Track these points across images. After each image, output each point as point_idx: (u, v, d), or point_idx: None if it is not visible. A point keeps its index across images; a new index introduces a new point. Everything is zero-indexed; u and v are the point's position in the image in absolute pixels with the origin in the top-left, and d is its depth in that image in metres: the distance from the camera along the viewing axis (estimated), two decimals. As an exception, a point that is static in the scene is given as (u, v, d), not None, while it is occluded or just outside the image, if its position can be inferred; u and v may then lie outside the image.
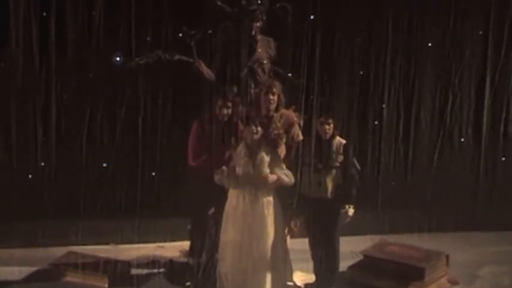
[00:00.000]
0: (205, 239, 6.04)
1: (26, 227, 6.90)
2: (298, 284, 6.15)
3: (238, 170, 5.60)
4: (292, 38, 7.08)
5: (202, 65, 6.20)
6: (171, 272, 6.40)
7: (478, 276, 6.68)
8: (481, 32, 7.87)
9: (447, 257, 6.56)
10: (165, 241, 7.06)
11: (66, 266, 6.27)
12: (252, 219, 5.61)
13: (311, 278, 6.19)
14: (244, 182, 5.62)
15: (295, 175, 5.73)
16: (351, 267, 6.47)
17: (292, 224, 5.94)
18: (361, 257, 6.53)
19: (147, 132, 7.18)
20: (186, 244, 6.60)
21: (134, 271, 6.46)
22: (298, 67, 6.94)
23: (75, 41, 6.94)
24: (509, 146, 8.14)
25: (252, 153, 5.65)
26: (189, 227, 6.36)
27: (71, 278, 6.22)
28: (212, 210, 6.01)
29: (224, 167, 5.63)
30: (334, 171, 5.90)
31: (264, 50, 6.20)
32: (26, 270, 6.37)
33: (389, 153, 7.85)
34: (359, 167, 6.10)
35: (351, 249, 6.53)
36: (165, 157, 7.24)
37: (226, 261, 5.68)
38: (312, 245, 6.09)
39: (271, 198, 5.66)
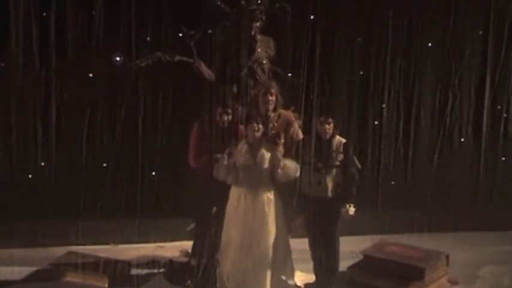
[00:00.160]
0: (207, 238, 6.04)
1: (26, 227, 6.90)
2: (298, 284, 6.14)
3: (238, 166, 5.61)
4: (292, 38, 7.09)
5: (203, 65, 6.20)
6: (171, 272, 6.40)
7: (478, 276, 6.68)
8: (481, 32, 7.87)
9: (447, 257, 6.56)
10: (165, 241, 7.06)
11: (66, 266, 6.27)
12: (253, 218, 5.63)
13: (311, 278, 6.19)
14: (244, 178, 5.63)
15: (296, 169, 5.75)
16: (351, 267, 6.47)
17: (292, 225, 5.94)
18: (361, 257, 6.53)
19: (147, 132, 7.18)
20: (186, 244, 6.62)
21: (134, 271, 6.46)
22: (298, 67, 6.95)
23: (75, 41, 6.94)
24: (509, 146, 8.13)
25: (253, 150, 5.67)
26: (188, 228, 6.36)
27: (71, 278, 6.23)
28: (215, 209, 6.02)
29: (221, 155, 5.61)
30: (334, 170, 5.90)
31: (264, 50, 6.21)
32: (26, 270, 6.37)
33: (389, 153, 7.84)
34: (359, 166, 6.10)
35: (351, 249, 6.53)
36: (165, 157, 7.24)
37: (228, 261, 5.69)
38: (312, 245, 6.09)
39: (272, 196, 5.69)
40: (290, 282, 5.90)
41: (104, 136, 7.18)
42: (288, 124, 5.87)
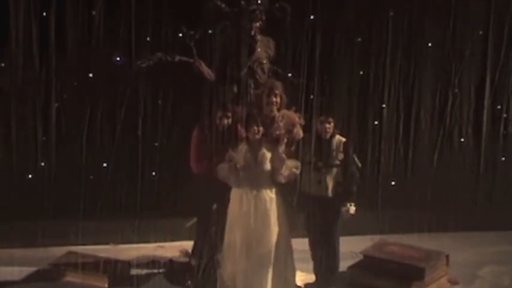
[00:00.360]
0: (208, 238, 6.04)
1: (26, 227, 6.90)
2: (298, 284, 6.14)
3: (240, 167, 5.61)
4: (291, 38, 7.10)
5: (203, 65, 6.20)
6: (171, 272, 6.40)
7: (478, 276, 6.67)
8: (481, 32, 7.87)
9: (447, 257, 6.56)
10: (165, 241, 7.06)
11: (66, 266, 6.27)
12: (256, 217, 5.63)
13: (311, 278, 6.19)
14: (245, 178, 5.63)
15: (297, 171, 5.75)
16: (351, 267, 6.47)
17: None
18: (361, 257, 6.53)
19: (147, 132, 7.18)
20: (186, 244, 6.62)
21: (134, 271, 6.46)
22: (298, 67, 6.96)
23: (75, 41, 6.94)
24: (509, 146, 8.14)
25: (254, 151, 5.68)
26: (187, 224, 6.37)
27: (71, 278, 6.22)
28: (215, 206, 6.02)
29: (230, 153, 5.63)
30: (334, 169, 5.90)
31: (264, 49, 6.20)
32: (26, 270, 6.37)
33: (389, 153, 7.85)
34: (359, 164, 6.10)
35: (351, 249, 6.53)
36: (165, 157, 7.24)
37: (230, 261, 5.68)
38: (312, 244, 6.09)
39: (273, 195, 5.69)
40: (291, 282, 5.90)
41: (104, 136, 7.18)
42: (292, 125, 5.87)
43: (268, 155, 5.66)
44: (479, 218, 7.88)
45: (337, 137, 6.00)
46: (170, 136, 7.25)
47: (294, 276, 5.92)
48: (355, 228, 6.60)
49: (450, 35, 7.80)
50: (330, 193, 5.88)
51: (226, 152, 5.68)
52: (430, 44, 7.80)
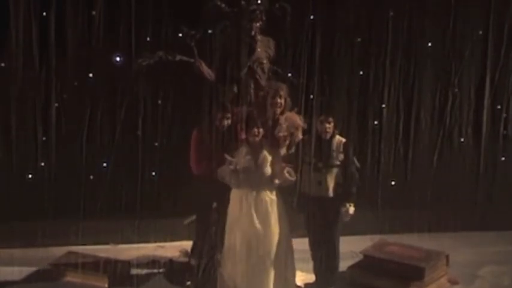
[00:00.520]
0: (208, 238, 6.04)
1: (26, 227, 6.90)
2: (298, 284, 6.14)
3: (240, 169, 5.61)
4: (291, 38, 7.10)
5: (203, 65, 6.20)
6: (171, 272, 6.41)
7: (478, 276, 6.67)
8: (481, 32, 7.87)
9: (447, 257, 6.56)
10: (165, 241, 7.06)
11: (66, 266, 6.27)
12: (257, 219, 5.63)
13: (311, 278, 6.19)
14: (245, 180, 5.63)
15: (295, 174, 5.73)
16: (351, 267, 6.47)
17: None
18: (361, 257, 6.53)
19: (147, 132, 7.18)
20: (186, 244, 6.62)
21: (134, 271, 6.46)
22: (298, 67, 6.96)
23: (75, 41, 6.94)
24: (509, 146, 8.13)
25: (254, 153, 5.67)
26: (186, 221, 6.37)
27: (71, 278, 6.22)
28: (215, 204, 6.02)
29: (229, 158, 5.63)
30: (334, 170, 5.90)
31: (264, 50, 6.20)
32: (26, 270, 6.37)
33: (389, 153, 7.85)
34: (359, 165, 6.10)
35: (351, 249, 6.53)
36: (165, 157, 7.24)
37: (231, 262, 5.68)
38: (312, 244, 6.09)
39: (274, 197, 5.70)
40: (291, 282, 5.90)
41: (104, 136, 7.18)
42: (295, 127, 5.87)
43: (269, 157, 5.66)
44: (479, 218, 7.89)
45: (337, 137, 5.99)
46: (170, 136, 7.25)
47: (294, 276, 5.92)
48: (355, 228, 6.60)
49: (450, 35, 7.80)
50: (330, 194, 5.88)
51: (226, 153, 5.68)
52: (430, 44, 7.80)
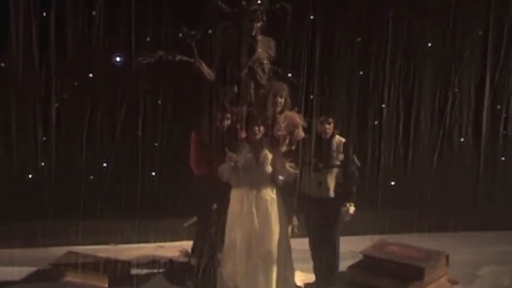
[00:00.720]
0: (208, 238, 6.04)
1: (26, 227, 6.89)
2: (298, 283, 6.14)
3: (240, 167, 5.61)
4: (292, 38, 7.10)
5: (203, 65, 6.19)
6: (171, 272, 6.40)
7: (477, 276, 6.67)
8: (481, 32, 7.88)
9: (447, 257, 6.56)
10: (165, 241, 7.06)
11: (66, 266, 6.27)
12: (257, 218, 5.62)
13: (311, 277, 6.19)
14: (245, 179, 5.63)
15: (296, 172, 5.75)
16: (351, 267, 6.47)
17: (292, 227, 5.94)
18: (361, 257, 6.53)
19: (147, 132, 7.18)
20: (186, 244, 6.62)
21: (134, 271, 6.45)
22: (298, 67, 6.96)
23: (75, 41, 6.94)
24: (509, 146, 8.14)
25: (255, 151, 5.67)
26: (186, 224, 6.37)
27: (71, 278, 6.22)
28: (215, 206, 6.02)
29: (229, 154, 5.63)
30: (334, 170, 5.90)
31: (264, 50, 6.20)
32: (26, 270, 6.37)
33: (389, 153, 7.85)
34: (359, 164, 6.10)
35: (351, 249, 6.53)
36: (165, 157, 7.24)
37: (231, 262, 5.68)
38: (312, 244, 6.10)
39: (274, 196, 5.69)
40: (291, 282, 5.90)
41: (104, 136, 7.18)
42: (294, 126, 5.87)
43: (270, 156, 5.66)
44: (479, 218, 7.89)
45: (337, 137, 5.99)
46: (170, 136, 7.25)
47: (293, 275, 5.92)
48: (355, 228, 6.60)
49: (450, 35, 7.80)
50: (330, 194, 5.88)
51: (226, 153, 5.68)
52: (430, 44, 7.81)
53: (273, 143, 5.73)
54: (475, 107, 8.03)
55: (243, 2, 6.06)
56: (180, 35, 6.23)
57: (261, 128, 5.66)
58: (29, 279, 6.29)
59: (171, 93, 7.22)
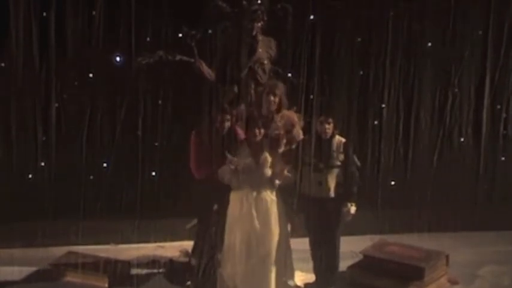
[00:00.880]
0: (208, 238, 6.04)
1: (26, 227, 6.89)
2: (298, 283, 6.14)
3: (240, 169, 5.61)
4: (292, 38, 7.09)
5: (203, 65, 6.19)
6: (171, 272, 6.40)
7: (477, 276, 6.67)
8: (481, 32, 7.87)
9: (447, 257, 6.56)
10: (165, 241, 7.05)
11: (66, 266, 6.27)
12: (257, 219, 5.63)
13: (311, 277, 6.19)
14: (245, 180, 5.63)
15: (295, 175, 5.74)
16: (351, 267, 6.47)
17: (293, 226, 5.95)
18: (361, 257, 6.53)
19: (147, 132, 7.18)
20: (186, 244, 6.62)
21: (134, 271, 6.45)
22: (298, 67, 6.96)
23: (75, 41, 6.94)
24: (509, 146, 8.14)
25: (255, 153, 5.67)
26: (188, 226, 6.36)
27: (71, 278, 6.22)
28: (215, 206, 6.02)
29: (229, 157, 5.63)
30: (334, 170, 5.90)
31: (265, 50, 6.20)
32: (26, 270, 6.37)
33: (389, 153, 7.85)
34: (359, 164, 6.10)
35: (351, 249, 6.53)
36: (165, 157, 7.24)
37: (231, 262, 5.68)
38: (312, 244, 6.09)
39: (274, 197, 5.69)
40: (290, 282, 5.90)
41: (104, 136, 7.18)
42: (291, 125, 5.86)
43: (270, 158, 5.66)
44: (479, 218, 7.88)
45: (337, 137, 5.99)
46: (170, 136, 7.25)
47: (293, 276, 5.93)
48: (355, 228, 6.59)
49: (450, 35, 7.80)
50: (330, 194, 5.87)
51: (226, 156, 5.68)
52: (430, 44, 7.80)
53: (272, 144, 5.72)
54: (475, 107, 8.03)
55: (244, 2, 6.06)
56: (180, 35, 6.22)
57: (262, 130, 5.66)
58: (29, 279, 6.28)
59: (171, 93, 7.21)
